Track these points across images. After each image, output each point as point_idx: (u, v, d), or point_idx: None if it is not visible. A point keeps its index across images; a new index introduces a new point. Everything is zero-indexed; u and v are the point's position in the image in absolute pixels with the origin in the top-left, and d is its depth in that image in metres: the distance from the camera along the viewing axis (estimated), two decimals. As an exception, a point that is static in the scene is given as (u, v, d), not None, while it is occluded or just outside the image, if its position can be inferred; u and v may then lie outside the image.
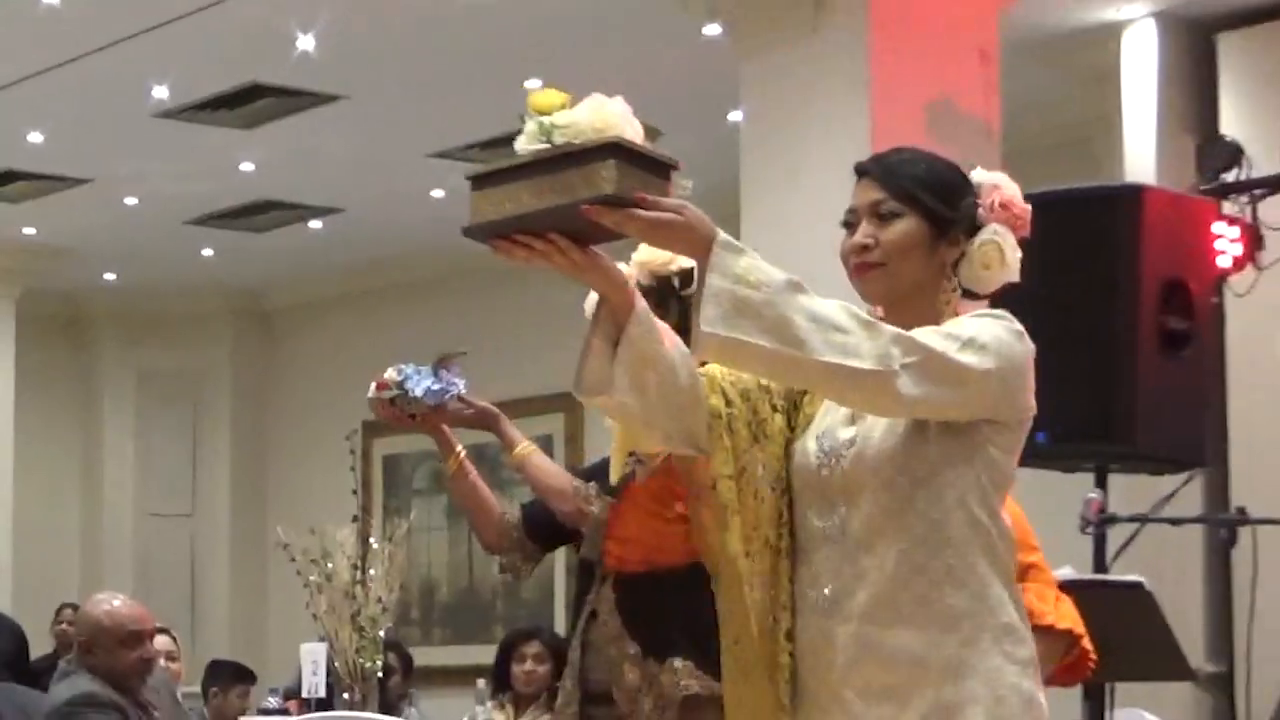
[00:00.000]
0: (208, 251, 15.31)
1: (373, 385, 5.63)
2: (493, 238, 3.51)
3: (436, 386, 5.61)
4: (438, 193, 13.48)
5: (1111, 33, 10.40)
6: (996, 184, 3.87)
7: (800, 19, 9.60)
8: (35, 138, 12.23)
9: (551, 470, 5.82)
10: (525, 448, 5.75)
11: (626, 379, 3.49)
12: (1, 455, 14.94)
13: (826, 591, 3.62)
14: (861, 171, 3.75)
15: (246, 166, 13.01)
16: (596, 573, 5.68)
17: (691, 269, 4.05)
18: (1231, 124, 9.85)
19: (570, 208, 3.40)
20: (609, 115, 3.54)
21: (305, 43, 10.73)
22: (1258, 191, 8.98)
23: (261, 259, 15.58)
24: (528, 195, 3.47)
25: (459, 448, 5.74)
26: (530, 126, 3.54)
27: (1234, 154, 9.08)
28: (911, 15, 9.46)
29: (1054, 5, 10.07)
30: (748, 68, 9.83)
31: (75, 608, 8.13)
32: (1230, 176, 9.03)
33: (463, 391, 5.66)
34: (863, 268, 3.68)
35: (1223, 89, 10.23)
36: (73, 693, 6.98)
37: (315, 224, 14.53)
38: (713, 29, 10.20)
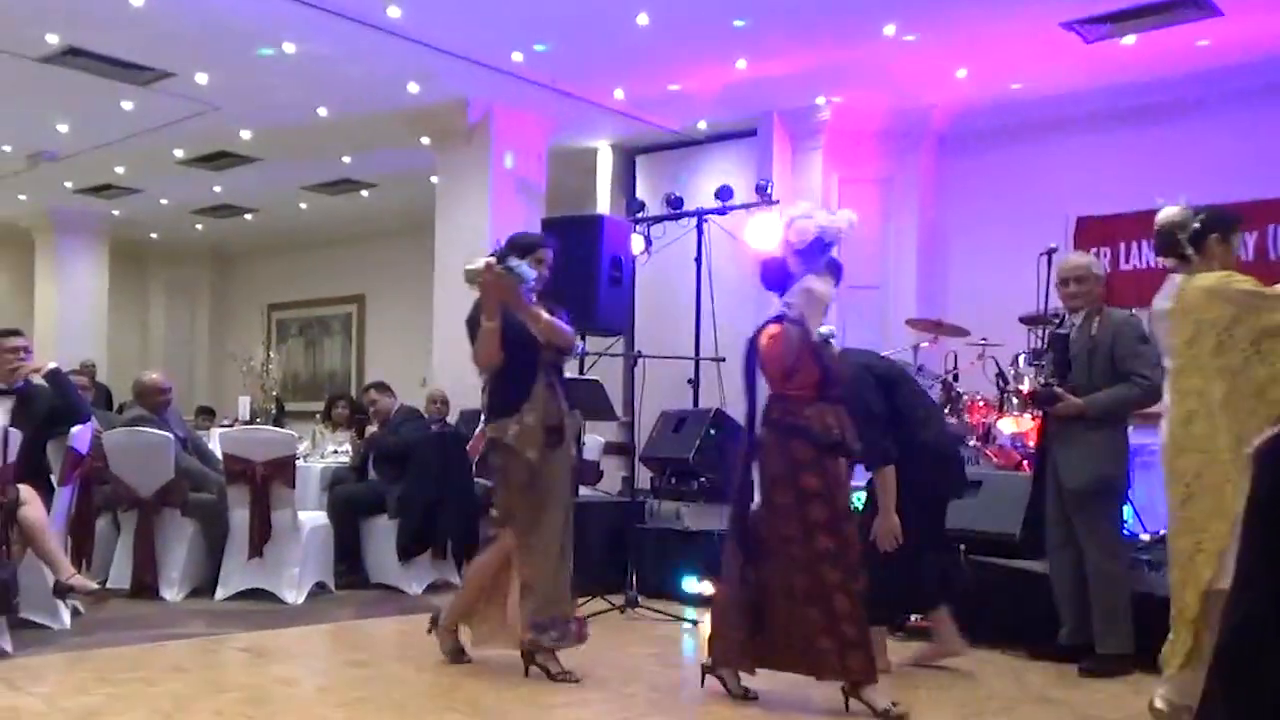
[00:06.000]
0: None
1: (481, 261, 4.54)
2: None
3: (532, 275, 4.56)
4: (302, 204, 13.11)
5: (590, 151, 10.65)
6: None
7: (460, 138, 9.48)
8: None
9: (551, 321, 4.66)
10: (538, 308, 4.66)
11: None
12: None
13: None
14: None
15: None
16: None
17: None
18: (641, 192, 10.18)
19: None
20: None
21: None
22: (651, 222, 9.09)
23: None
24: None
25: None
26: None
27: (641, 205, 9.28)
28: (510, 138, 9.43)
29: (568, 136, 9.99)
30: (440, 158, 9.90)
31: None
32: (639, 214, 9.15)
33: (532, 284, 4.58)
34: None
35: (638, 176, 10.65)
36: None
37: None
38: (425, 140, 9.96)
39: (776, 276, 4.29)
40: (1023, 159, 9.18)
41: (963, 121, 9.39)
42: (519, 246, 4.72)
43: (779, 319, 4.20)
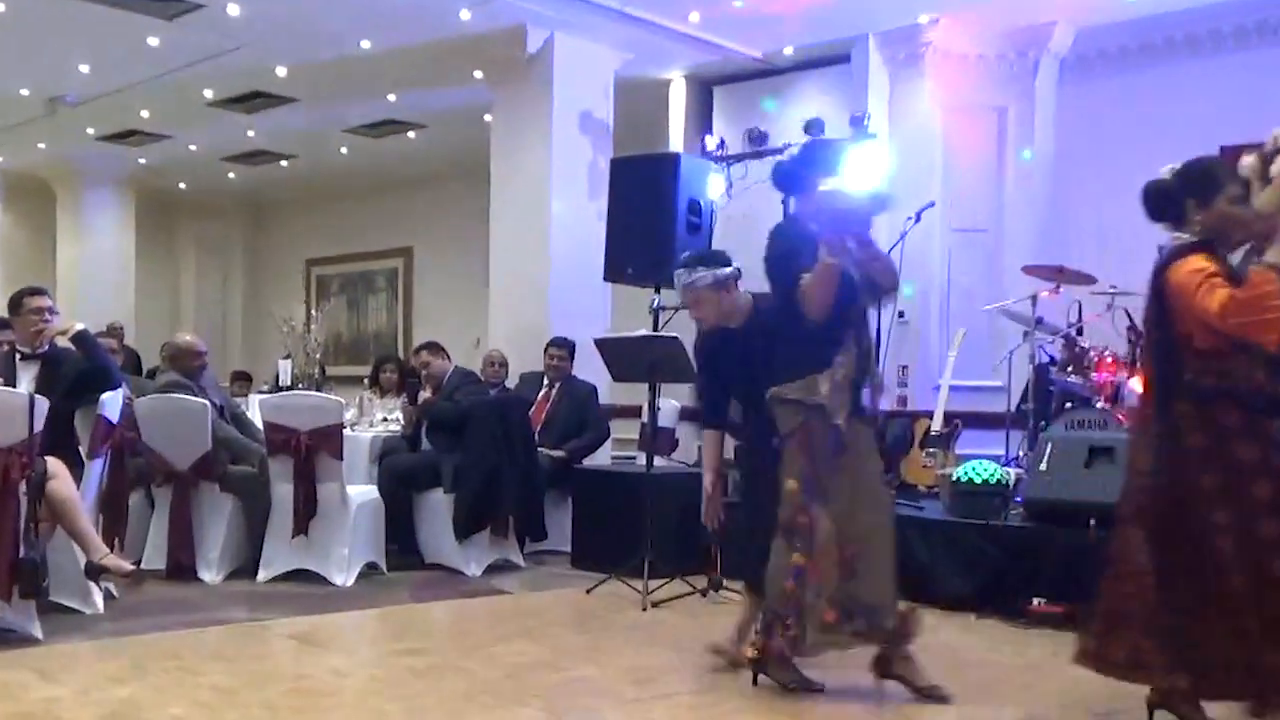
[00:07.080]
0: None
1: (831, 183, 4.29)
2: None
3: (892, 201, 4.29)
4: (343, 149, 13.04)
5: (664, 84, 10.43)
6: None
7: (517, 71, 9.32)
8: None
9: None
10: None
11: None
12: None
13: None
14: None
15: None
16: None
17: None
18: (719, 128, 9.88)
19: None
20: None
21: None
22: (732, 161, 8.79)
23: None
24: None
25: None
26: None
27: (721, 142, 8.95)
28: (570, 69, 9.26)
29: (637, 66, 9.68)
30: (496, 93, 9.77)
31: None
32: (718, 151, 8.87)
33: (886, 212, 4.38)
34: None
35: (715, 109, 10.47)
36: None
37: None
38: (479, 74, 9.95)
39: (1165, 204, 3.79)
40: (1157, 82, 8.87)
41: (1088, 40, 9.10)
42: (822, 162, 4.25)
43: (1202, 246, 3.64)
